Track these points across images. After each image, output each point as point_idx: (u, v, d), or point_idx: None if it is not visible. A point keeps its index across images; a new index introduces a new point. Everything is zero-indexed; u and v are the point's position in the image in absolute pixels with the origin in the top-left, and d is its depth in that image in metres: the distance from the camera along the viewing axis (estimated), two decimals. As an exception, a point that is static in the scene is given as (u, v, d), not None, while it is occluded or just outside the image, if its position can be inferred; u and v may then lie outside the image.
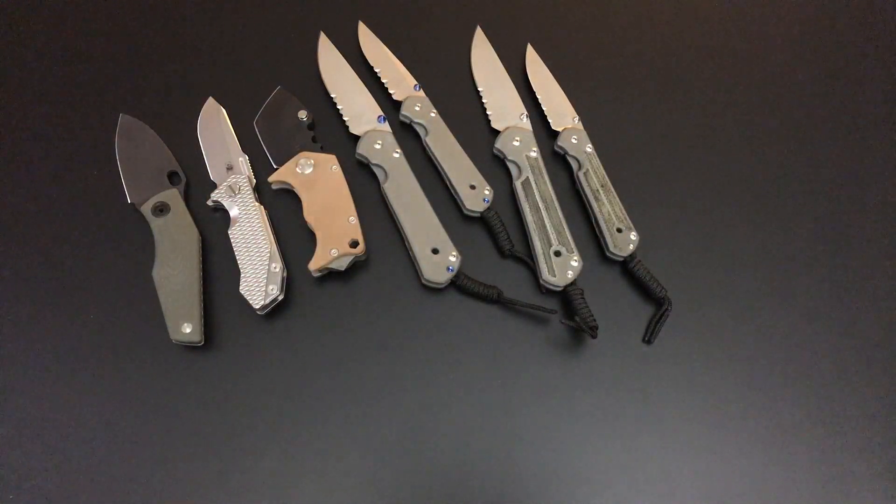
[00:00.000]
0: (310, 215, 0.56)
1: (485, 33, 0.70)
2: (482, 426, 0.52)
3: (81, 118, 0.63)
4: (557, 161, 0.64)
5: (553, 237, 0.58)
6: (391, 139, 0.62)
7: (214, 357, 0.53)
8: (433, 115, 0.64)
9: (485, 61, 0.69)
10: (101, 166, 0.61)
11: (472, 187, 0.60)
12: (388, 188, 0.59)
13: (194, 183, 0.60)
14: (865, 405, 0.55)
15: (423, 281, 0.56)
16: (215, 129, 0.62)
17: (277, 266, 0.54)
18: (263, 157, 0.61)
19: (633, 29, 0.74)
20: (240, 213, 0.57)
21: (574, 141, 0.63)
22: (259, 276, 0.54)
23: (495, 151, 0.63)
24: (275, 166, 0.60)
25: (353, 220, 0.56)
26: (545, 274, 0.56)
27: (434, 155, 0.62)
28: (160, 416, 0.51)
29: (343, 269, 0.55)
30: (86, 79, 0.66)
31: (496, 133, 0.64)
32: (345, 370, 0.53)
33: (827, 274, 0.61)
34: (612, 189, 0.61)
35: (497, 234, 0.58)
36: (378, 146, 0.61)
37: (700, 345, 0.57)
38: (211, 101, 0.63)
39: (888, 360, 0.57)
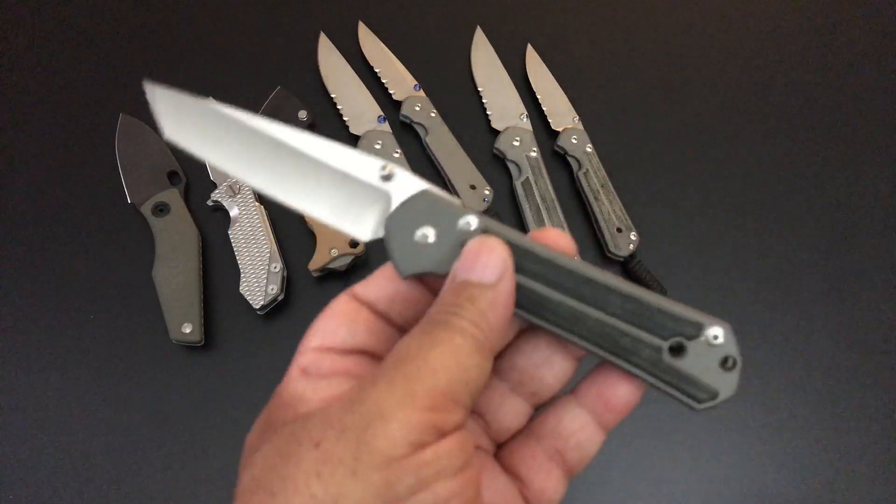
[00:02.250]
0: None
1: (485, 33, 0.70)
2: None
3: (81, 118, 0.63)
4: (557, 161, 0.64)
5: (553, 237, 0.58)
6: (391, 139, 0.62)
7: (214, 357, 0.53)
8: (433, 115, 0.64)
9: (485, 61, 0.69)
10: (101, 166, 0.60)
11: (473, 187, 0.60)
12: (388, 188, 0.59)
13: (194, 183, 0.60)
14: (865, 405, 0.55)
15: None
16: (215, 129, 0.62)
17: (277, 266, 0.54)
18: (263, 157, 0.61)
19: (633, 29, 0.74)
20: (240, 213, 0.57)
21: (574, 141, 0.63)
22: (259, 275, 0.54)
23: (495, 151, 0.63)
24: (275, 166, 0.60)
25: (353, 219, 0.56)
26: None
27: (434, 155, 0.62)
28: (160, 416, 0.51)
29: (343, 269, 0.55)
30: (86, 79, 0.66)
31: (496, 133, 0.64)
32: (345, 370, 0.53)
33: (827, 274, 0.61)
34: (612, 189, 0.61)
35: (497, 234, 0.58)
36: (378, 146, 0.61)
37: (700, 345, 0.57)
38: (211, 101, 0.63)
39: (888, 360, 0.57)
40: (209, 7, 0.72)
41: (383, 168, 0.25)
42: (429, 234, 0.24)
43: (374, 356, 0.26)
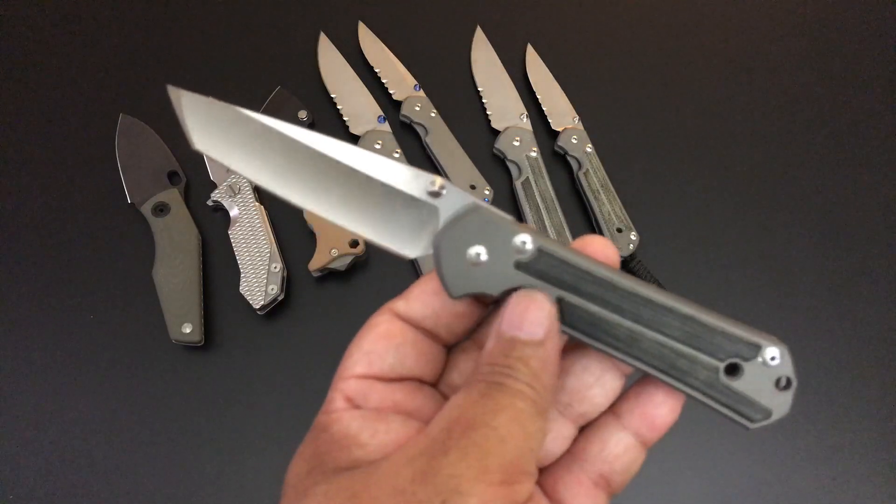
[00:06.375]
0: (310, 215, 0.56)
1: (485, 33, 0.70)
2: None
3: (81, 118, 0.63)
4: (557, 161, 0.64)
5: (553, 237, 0.58)
6: (391, 139, 0.62)
7: (214, 357, 0.53)
8: (433, 115, 0.64)
9: (485, 61, 0.69)
10: (101, 166, 0.60)
11: (473, 187, 0.60)
12: (388, 188, 0.59)
13: (194, 183, 0.60)
14: (865, 405, 0.55)
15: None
16: (215, 129, 0.62)
17: (277, 266, 0.54)
18: (263, 157, 0.61)
19: (633, 29, 0.74)
20: (240, 213, 0.57)
21: (574, 141, 0.63)
22: (259, 275, 0.54)
23: (495, 151, 0.63)
24: (275, 166, 0.60)
25: (353, 219, 0.56)
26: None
27: (434, 155, 0.62)
28: (160, 416, 0.51)
29: (343, 269, 0.55)
30: (86, 79, 0.66)
31: (496, 133, 0.64)
32: (345, 370, 0.53)
33: (827, 273, 0.61)
34: (612, 189, 0.61)
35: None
36: (378, 146, 0.61)
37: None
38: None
39: (888, 360, 0.57)
40: (209, 7, 0.72)
41: (432, 183, 0.24)
42: (481, 252, 0.23)
43: (423, 381, 0.25)
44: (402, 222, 0.24)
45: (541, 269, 0.23)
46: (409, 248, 0.25)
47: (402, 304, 0.25)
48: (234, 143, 0.24)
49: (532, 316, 0.22)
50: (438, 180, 0.24)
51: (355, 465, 0.21)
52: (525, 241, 0.23)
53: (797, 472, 0.52)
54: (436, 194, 0.24)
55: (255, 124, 0.24)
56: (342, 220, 0.25)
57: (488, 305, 0.25)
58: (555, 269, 0.23)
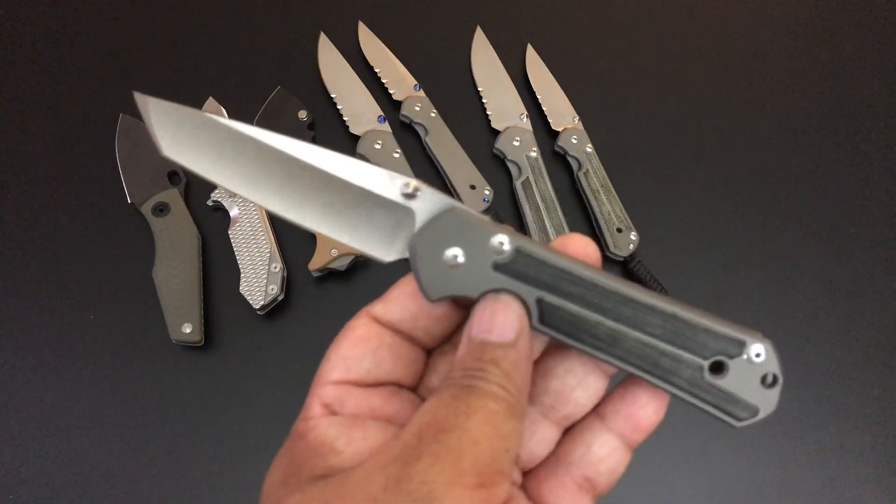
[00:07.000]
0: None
1: (485, 33, 0.70)
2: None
3: (81, 118, 0.63)
4: (557, 161, 0.64)
5: (553, 237, 0.58)
6: (391, 139, 0.62)
7: (214, 357, 0.53)
8: (433, 115, 0.64)
9: (485, 61, 0.69)
10: (101, 166, 0.60)
11: (473, 187, 0.60)
12: (388, 188, 0.59)
13: (194, 183, 0.60)
14: (865, 405, 0.55)
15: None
16: (215, 129, 0.62)
17: (277, 266, 0.54)
18: (263, 157, 0.61)
19: (634, 29, 0.74)
20: (240, 213, 0.57)
21: (574, 141, 0.63)
22: (259, 275, 0.54)
23: (495, 151, 0.63)
24: (275, 166, 0.60)
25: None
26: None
27: (434, 155, 0.62)
28: (160, 416, 0.51)
29: (343, 269, 0.55)
30: (86, 79, 0.66)
31: (496, 133, 0.64)
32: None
33: (827, 274, 0.61)
34: (612, 189, 0.61)
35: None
36: (378, 146, 0.61)
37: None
38: (211, 101, 0.63)
39: (888, 360, 0.57)
40: (209, 7, 0.72)
41: (406, 185, 0.24)
42: (458, 254, 0.23)
43: (401, 385, 0.25)
44: (379, 226, 0.24)
45: (519, 269, 0.23)
46: (385, 251, 0.24)
47: (379, 308, 0.24)
48: (203, 149, 0.23)
49: (501, 318, 0.22)
50: (413, 182, 0.24)
51: (330, 474, 0.21)
52: (503, 241, 0.23)
53: (797, 472, 0.52)
54: (411, 196, 0.24)
55: (224, 129, 0.24)
56: (317, 226, 0.24)
57: (468, 308, 0.25)
58: (533, 269, 0.23)
